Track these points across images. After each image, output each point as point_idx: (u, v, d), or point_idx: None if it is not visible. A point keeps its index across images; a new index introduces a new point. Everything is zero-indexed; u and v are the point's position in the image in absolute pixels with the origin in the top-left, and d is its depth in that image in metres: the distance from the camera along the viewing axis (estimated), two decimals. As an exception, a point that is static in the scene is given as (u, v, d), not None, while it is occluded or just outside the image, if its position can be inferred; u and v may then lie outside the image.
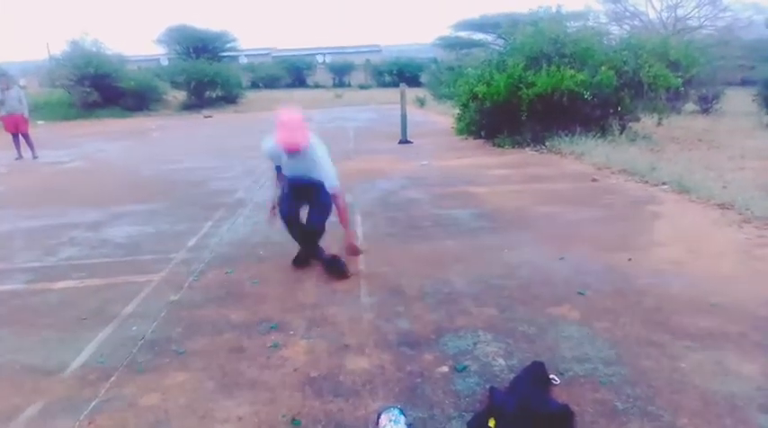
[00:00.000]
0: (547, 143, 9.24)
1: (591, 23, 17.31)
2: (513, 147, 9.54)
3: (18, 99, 10.64)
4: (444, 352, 2.65)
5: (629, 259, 3.84)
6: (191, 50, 32.78)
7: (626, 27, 26.87)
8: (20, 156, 10.60)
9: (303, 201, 3.83)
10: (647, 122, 10.72)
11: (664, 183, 6.17)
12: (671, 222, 4.78)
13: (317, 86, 38.49)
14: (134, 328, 3.04)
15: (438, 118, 16.00)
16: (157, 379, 2.51)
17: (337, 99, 27.82)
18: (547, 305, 3.14)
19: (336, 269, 3.74)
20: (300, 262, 3.93)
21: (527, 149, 9.31)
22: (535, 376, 2.32)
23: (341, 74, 41.43)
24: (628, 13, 28.43)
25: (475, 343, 2.72)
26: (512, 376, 2.39)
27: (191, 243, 4.65)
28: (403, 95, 11.18)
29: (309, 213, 3.81)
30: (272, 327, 2.99)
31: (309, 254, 3.96)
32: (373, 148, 10.25)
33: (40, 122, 18.23)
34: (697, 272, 3.57)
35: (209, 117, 21.15)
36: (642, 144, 9.08)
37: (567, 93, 9.06)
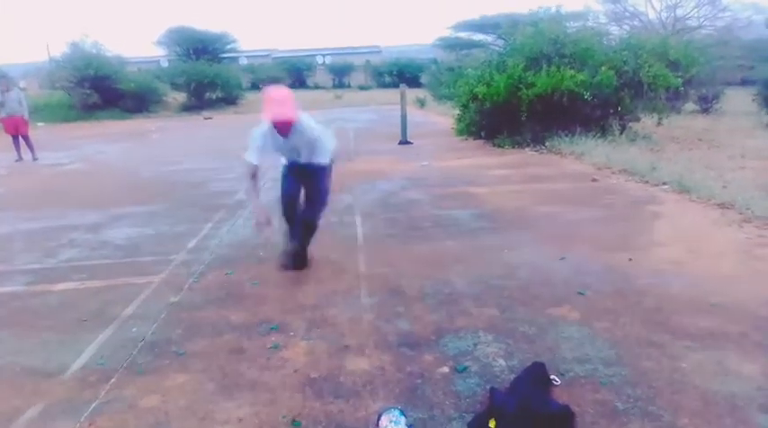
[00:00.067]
0: (547, 143, 9.24)
1: (590, 24, 17.36)
2: (513, 148, 9.54)
3: (18, 101, 10.65)
4: (445, 353, 2.64)
5: (630, 259, 3.83)
6: (191, 52, 32.80)
7: (625, 27, 26.90)
8: (20, 158, 10.61)
9: (302, 183, 3.79)
10: (647, 122, 10.72)
11: (664, 183, 6.17)
12: (671, 222, 4.78)
13: (317, 87, 38.49)
14: (134, 330, 3.04)
15: (438, 118, 16.00)
16: (157, 381, 2.50)
17: (337, 100, 27.83)
18: (547, 305, 3.14)
19: (302, 258, 3.84)
20: (291, 262, 3.81)
21: (527, 150, 9.31)
22: (536, 376, 2.32)
23: (341, 75, 41.44)
24: (627, 14, 28.48)
25: (475, 344, 2.72)
26: (512, 376, 2.39)
27: (191, 244, 4.65)
28: (403, 96, 11.19)
29: (306, 204, 3.81)
30: (272, 328, 2.99)
31: (301, 248, 3.92)
32: (373, 149, 10.25)
33: (39, 124, 18.24)
34: (697, 272, 3.57)
35: (210, 118, 21.17)
36: (642, 144, 9.08)
37: (567, 93, 9.07)
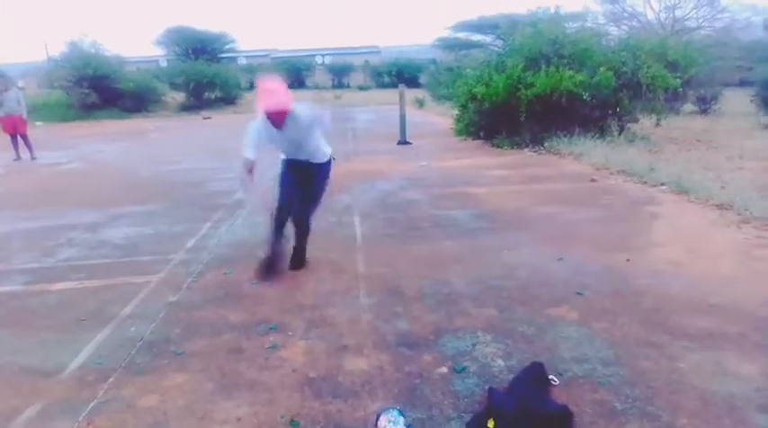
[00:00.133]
0: (546, 144, 9.24)
1: (589, 24, 17.40)
2: (512, 148, 9.54)
3: (16, 100, 10.64)
4: (443, 353, 2.64)
5: (628, 259, 3.84)
6: (189, 51, 32.74)
7: (624, 28, 26.93)
8: (18, 157, 10.59)
9: (300, 187, 3.76)
10: (645, 123, 10.73)
11: (662, 184, 6.17)
12: (669, 223, 4.78)
13: (316, 87, 38.42)
14: (132, 329, 3.04)
15: (437, 119, 16.00)
16: (156, 381, 2.50)
17: (336, 100, 27.82)
18: (546, 305, 3.14)
19: (300, 258, 3.89)
20: (268, 270, 3.75)
21: (526, 150, 9.32)
22: (534, 376, 2.32)
23: (340, 75, 41.40)
24: (626, 14, 28.51)
25: (474, 344, 2.72)
26: (511, 376, 2.39)
27: (189, 244, 4.64)
28: (402, 96, 11.20)
29: (300, 204, 3.78)
30: (270, 328, 2.98)
31: (300, 244, 3.94)
32: (372, 149, 10.24)
33: (38, 123, 18.21)
34: (696, 273, 3.57)
35: (208, 118, 21.15)
36: (641, 144, 9.09)
37: (566, 93, 9.08)
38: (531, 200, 5.79)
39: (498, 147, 9.76)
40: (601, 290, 3.33)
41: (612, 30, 24.51)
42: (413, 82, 29.14)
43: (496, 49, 18.26)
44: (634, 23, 27.94)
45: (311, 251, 4.03)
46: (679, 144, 9.57)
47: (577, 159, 8.10)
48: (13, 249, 4.76)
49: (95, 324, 3.12)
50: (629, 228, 4.65)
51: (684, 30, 25.79)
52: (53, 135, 15.67)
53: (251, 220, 5.27)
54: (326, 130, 3.79)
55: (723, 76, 17.03)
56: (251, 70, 36.54)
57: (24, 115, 10.77)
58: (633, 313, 3.01)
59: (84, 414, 2.26)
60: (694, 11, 27.19)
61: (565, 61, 9.73)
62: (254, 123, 3.54)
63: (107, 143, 13.40)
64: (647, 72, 9.37)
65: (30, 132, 11.13)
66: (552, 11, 11.79)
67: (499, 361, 2.55)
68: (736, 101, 15.20)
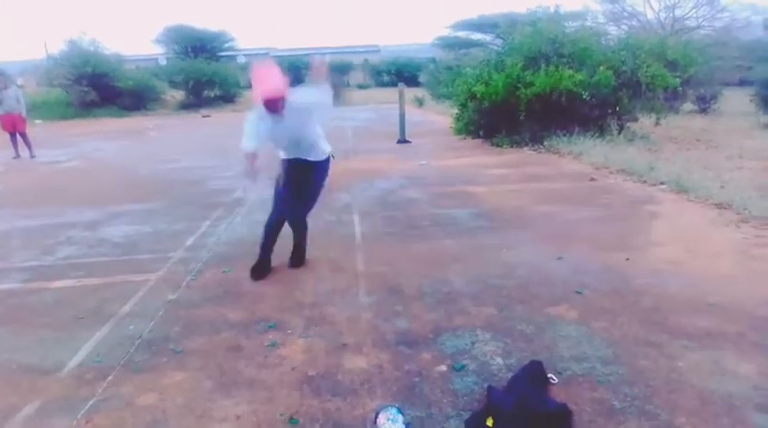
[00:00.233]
0: (545, 143, 9.24)
1: (589, 23, 17.38)
2: (512, 147, 9.54)
3: (16, 98, 10.63)
4: (442, 352, 2.64)
5: (627, 259, 3.84)
6: (189, 50, 32.72)
7: (624, 27, 26.91)
8: (17, 156, 10.58)
9: (296, 194, 3.73)
10: (645, 122, 10.74)
11: (662, 183, 6.18)
12: (669, 222, 4.78)
13: (315, 86, 38.36)
14: (131, 327, 3.04)
15: (436, 117, 16.00)
16: (155, 379, 2.50)
17: (337, 102, 27.77)
18: (545, 304, 3.14)
19: (299, 256, 3.92)
20: (261, 271, 3.76)
21: (525, 149, 9.32)
22: (533, 375, 2.33)
23: (340, 74, 41.37)
24: (626, 14, 28.49)
25: (473, 343, 2.72)
26: (510, 375, 2.39)
27: (188, 242, 4.64)
28: (401, 95, 11.19)
29: (296, 202, 3.77)
30: (269, 326, 2.98)
31: (299, 243, 3.96)
32: (372, 148, 10.24)
33: (37, 121, 18.21)
34: (695, 272, 3.57)
35: (208, 116, 21.15)
36: (640, 144, 9.09)
37: (566, 92, 9.07)
38: (531, 199, 5.79)
39: (498, 145, 9.76)
40: (600, 289, 3.33)
41: (612, 29, 24.53)
42: (412, 81, 29.11)
43: (496, 47, 18.23)
44: (634, 23, 27.92)
45: (310, 250, 4.03)
46: (678, 143, 9.57)
47: (577, 158, 8.10)
48: (12, 247, 4.75)
49: (94, 322, 3.12)
50: (629, 227, 4.66)
51: (684, 29, 25.78)
52: (52, 133, 15.66)
53: (250, 219, 5.26)
54: (328, 108, 3.56)
55: (723, 76, 17.04)
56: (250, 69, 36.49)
57: (24, 113, 10.76)
58: (632, 312, 3.01)
59: (82, 412, 2.26)
60: (694, 10, 27.18)
61: (564, 60, 9.73)
62: (253, 114, 3.44)
63: (106, 141, 13.38)
64: (646, 71, 9.37)
65: (29, 130, 11.13)
66: (552, 10, 11.81)
67: (498, 360, 2.55)
68: (736, 100, 15.21)
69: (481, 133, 10.57)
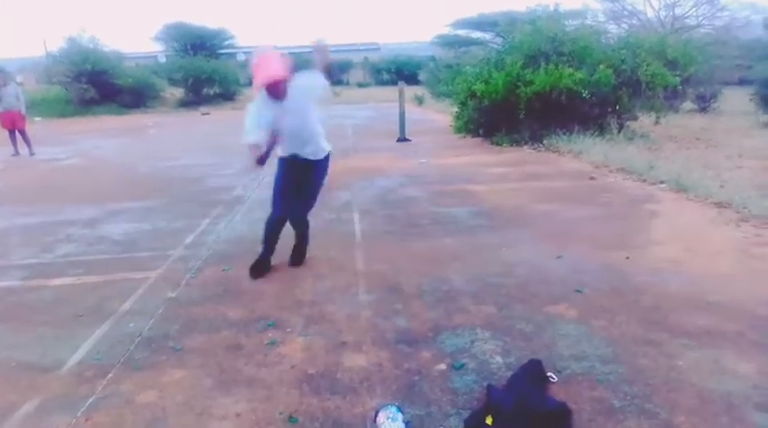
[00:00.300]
0: (545, 141, 9.24)
1: (589, 22, 17.32)
2: (512, 146, 9.54)
3: (15, 95, 10.61)
4: (442, 350, 2.65)
5: (627, 257, 3.84)
6: (188, 47, 32.70)
7: (624, 26, 26.85)
8: (16, 153, 10.57)
9: (296, 193, 3.72)
10: (644, 121, 10.74)
11: (661, 182, 6.18)
12: (668, 221, 4.78)
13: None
14: (131, 325, 3.04)
15: (436, 116, 15.99)
16: (155, 377, 2.50)
17: (336, 97, 27.77)
18: (544, 303, 3.15)
19: (299, 254, 3.93)
20: (260, 269, 3.77)
21: (525, 147, 9.31)
22: (532, 374, 2.33)
23: (339, 72, 41.31)
24: (626, 12, 28.43)
25: (473, 341, 2.72)
26: (509, 374, 2.39)
27: (188, 240, 4.64)
28: (401, 93, 11.18)
29: (297, 201, 3.77)
30: (269, 325, 2.98)
31: (300, 242, 3.96)
32: (372, 146, 10.23)
33: (36, 119, 18.18)
34: (694, 271, 3.58)
35: (207, 114, 21.13)
36: (640, 142, 9.09)
37: (566, 91, 9.07)
38: (531, 197, 5.79)
39: (497, 144, 9.76)
40: (600, 288, 3.33)
41: (612, 27, 24.47)
42: (412, 79, 29.09)
43: (496, 46, 18.22)
44: (634, 21, 27.87)
45: (310, 248, 4.03)
46: (678, 142, 9.57)
47: (577, 157, 8.10)
48: (11, 244, 4.75)
49: (94, 319, 3.12)
50: (628, 226, 4.66)
51: (684, 28, 25.75)
52: (51, 130, 15.63)
53: (250, 217, 5.26)
54: (326, 90, 3.54)
55: (722, 75, 17.02)
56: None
57: (23, 110, 10.75)
58: (632, 311, 3.01)
59: (82, 409, 2.26)
60: (694, 9, 27.12)
61: (564, 59, 9.72)
62: (254, 105, 3.41)
63: (105, 139, 13.37)
64: (646, 70, 9.36)
65: (28, 128, 11.12)
66: (551, 8, 11.80)
67: (498, 359, 2.55)
68: (736, 99, 15.20)
69: (481, 131, 10.56)
